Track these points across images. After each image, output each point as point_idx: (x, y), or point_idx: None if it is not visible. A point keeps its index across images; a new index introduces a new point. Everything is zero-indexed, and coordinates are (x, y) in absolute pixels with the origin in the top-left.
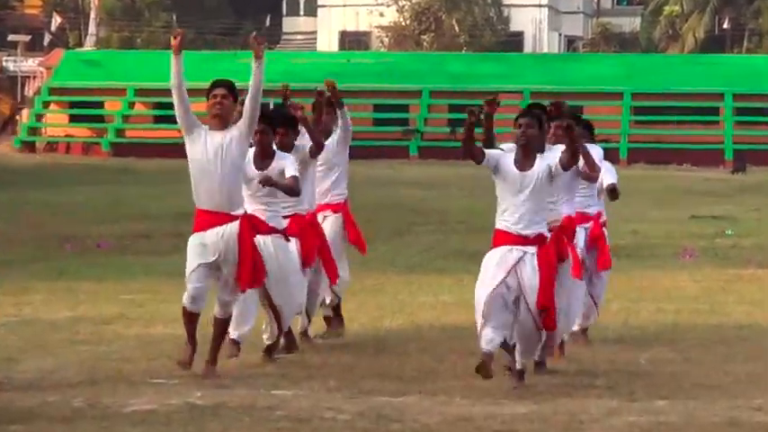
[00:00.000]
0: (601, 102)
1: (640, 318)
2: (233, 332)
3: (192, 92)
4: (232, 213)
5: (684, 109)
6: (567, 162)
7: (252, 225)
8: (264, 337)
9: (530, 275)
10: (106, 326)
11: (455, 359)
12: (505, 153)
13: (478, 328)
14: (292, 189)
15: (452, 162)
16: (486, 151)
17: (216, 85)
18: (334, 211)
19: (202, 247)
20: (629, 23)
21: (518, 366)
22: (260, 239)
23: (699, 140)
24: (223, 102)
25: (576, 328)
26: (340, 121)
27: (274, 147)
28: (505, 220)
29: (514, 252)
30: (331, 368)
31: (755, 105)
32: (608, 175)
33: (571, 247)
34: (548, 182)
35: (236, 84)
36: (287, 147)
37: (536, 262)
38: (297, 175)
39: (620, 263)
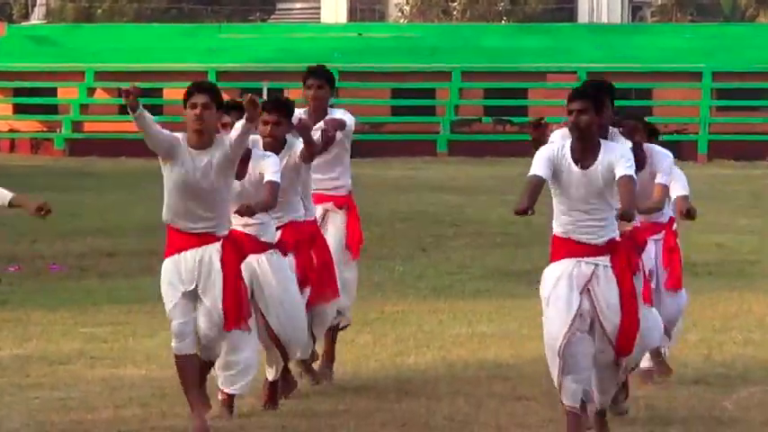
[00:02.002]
0: (675, 84)
1: (725, 352)
2: (229, 387)
3: (166, 75)
4: (216, 234)
5: None
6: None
7: (237, 248)
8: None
9: (605, 293)
10: (63, 366)
11: (496, 405)
12: (556, 148)
13: (555, 377)
14: (267, 205)
15: (490, 160)
16: (538, 175)
17: (195, 90)
18: (338, 206)
19: (177, 274)
20: None
21: (597, 406)
22: (253, 260)
23: None
24: (203, 114)
25: (646, 364)
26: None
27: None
28: (567, 225)
29: (583, 266)
30: (343, 417)
31: None
32: (677, 184)
33: (676, 256)
34: (612, 180)
35: (219, 68)
36: (279, 138)
37: (611, 274)
38: (275, 180)
39: (701, 283)
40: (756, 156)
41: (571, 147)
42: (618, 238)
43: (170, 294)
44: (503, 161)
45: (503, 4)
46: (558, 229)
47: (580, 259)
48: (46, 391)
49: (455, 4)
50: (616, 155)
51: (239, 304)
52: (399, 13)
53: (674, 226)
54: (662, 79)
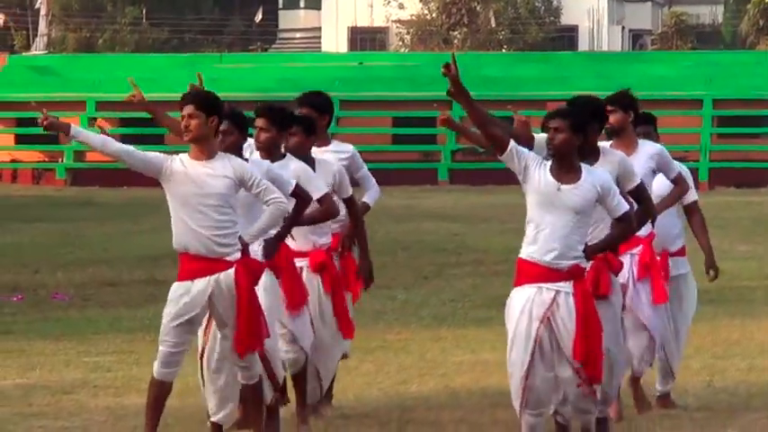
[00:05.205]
0: (675, 111)
1: (728, 378)
2: (214, 415)
3: (167, 105)
4: (226, 259)
5: None
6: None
7: (251, 271)
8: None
9: (567, 322)
10: (66, 395)
11: None
12: (537, 156)
13: (516, 407)
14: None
15: (491, 188)
16: (513, 142)
17: (181, 101)
18: (334, 248)
19: (185, 296)
20: (710, 14)
21: (582, 426)
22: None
23: None
24: (190, 122)
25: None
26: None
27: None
28: (534, 246)
29: (544, 293)
30: None
31: None
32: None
33: (654, 270)
34: (593, 205)
35: (220, 97)
36: (266, 144)
37: (572, 302)
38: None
39: (703, 310)
40: (757, 182)
41: (552, 163)
42: (585, 266)
43: (169, 318)
44: (504, 189)
45: (503, 33)
46: (523, 251)
47: (542, 285)
48: (49, 421)
49: (456, 33)
50: (605, 186)
51: (252, 330)
52: (400, 42)
53: (681, 244)
54: (662, 107)
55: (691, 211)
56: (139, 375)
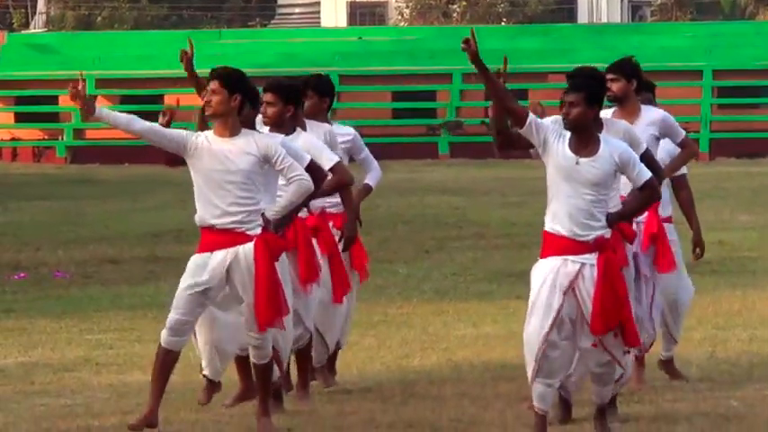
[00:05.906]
0: (675, 82)
1: (730, 349)
2: (206, 369)
3: (166, 81)
4: (248, 233)
5: None
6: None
7: (270, 247)
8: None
9: (592, 294)
10: (68, 373)
11: (502, 406)
12: (556, 128)
13: (529, 375)
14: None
15: (492, 162)
16: (531, 115)
17: (209, 77)
18: (337, 227)
19: (203, 267)
20: None
21: (597, 401)
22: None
23: None
24: (212, 98)
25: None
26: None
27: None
28: (556, 219)
29: (569, 265)
30: (349, 419)
31: None
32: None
33: (661, 238)
34: (612, 176)
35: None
36: (273, 119)
37: (596, 274)
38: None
39: (704, 281)
40: (758, 153)
41: (570, 137)
42: (607, 236)
43: (185, 284)
44: (504, 163)
45: (502, 6)
46: (547, 224)
47: (567, 257)
48: (52, 398)
49: (455, 6)
50: (624, 157)
51: (272, 303)
52: (399, 16)
53: (668, 213)
54: (662, 78)
55: (680, 186)
56: (141, 353)
